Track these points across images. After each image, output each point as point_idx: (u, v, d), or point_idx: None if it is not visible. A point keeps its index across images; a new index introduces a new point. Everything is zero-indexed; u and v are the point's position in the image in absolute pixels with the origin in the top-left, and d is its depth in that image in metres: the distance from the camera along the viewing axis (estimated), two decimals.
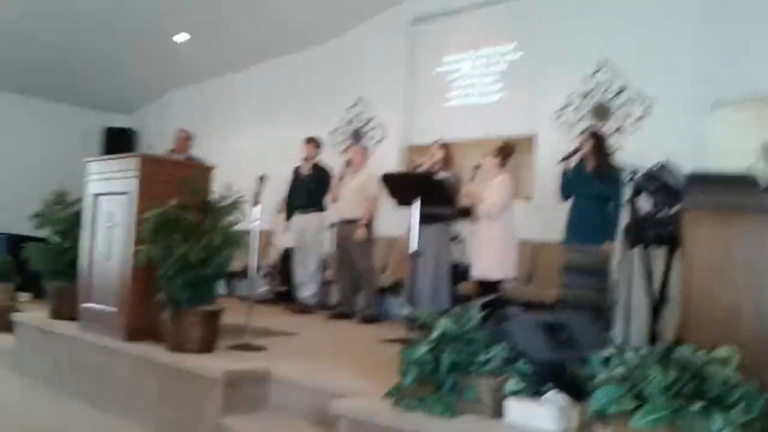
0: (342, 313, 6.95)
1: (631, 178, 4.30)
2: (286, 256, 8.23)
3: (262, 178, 4.64)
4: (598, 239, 5.08)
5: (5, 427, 4.04)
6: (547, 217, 6.29)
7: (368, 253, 6.82)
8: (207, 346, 4.13)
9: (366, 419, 2.95)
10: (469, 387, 2.86)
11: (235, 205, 4.24)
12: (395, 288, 7.50)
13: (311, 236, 7.33)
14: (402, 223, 6.79)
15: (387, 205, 6.42)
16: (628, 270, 4.34)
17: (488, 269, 5.67)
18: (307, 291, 7.41)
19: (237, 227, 4.26)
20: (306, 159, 7.30)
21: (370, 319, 6.70)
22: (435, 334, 2.85)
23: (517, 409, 2.79)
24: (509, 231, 5.76)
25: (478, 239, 5.82)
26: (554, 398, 2.80)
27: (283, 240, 8.17)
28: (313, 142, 7.34)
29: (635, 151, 5.93)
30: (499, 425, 2.76)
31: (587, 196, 5.14)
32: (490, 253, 5.64)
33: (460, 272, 6.43)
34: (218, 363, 3.83)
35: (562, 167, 5.26)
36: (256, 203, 4.59)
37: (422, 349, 2.87)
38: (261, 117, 9.85)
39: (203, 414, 3.72)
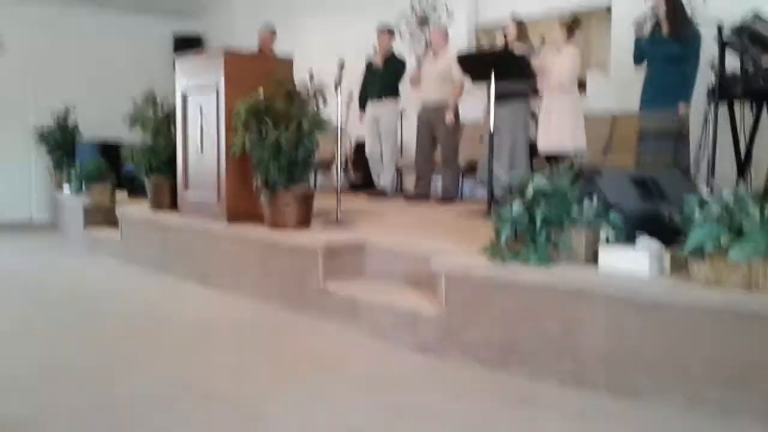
0: (420, 194, 7.13)
1: (719, 33, 4.17)
2: (360, 147, 8.41)
3: (342, 65, 4.73)
4: (674, 102, 4.99)
5: (127, 305, 4.48)
6: (624, 89, 6.18)
7: (454, 137, 6.90)
8: (303, 223, 4.40)
9: (465, 273, 3.15)
10: (563, 239, 3.02)
11: (318, 93, 4.36)
12: (468, 170, 7.62)
13: (386, 123, 7.43)
14: (472, 108, 6.82)
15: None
16: (713, 130, 4.30)
17: (560, 142, 5.68)
18: (384, 178, 7.60)
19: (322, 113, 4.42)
20: (379, 50, 7.30)
21: (449, 199, 6.87)
22: (529, 191, 2.98)
23: (611, 255, 2.93)
24: (578, 103, 5.73)
25: (547, 113, 5.79)
26: (647, 244, 2.92)
27: (357, 131, 8.31)
28: (387, 33, 7.29)
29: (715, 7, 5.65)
30: (594, 271, 2.91)
31: (661, 59, 5.00)
32: (562, 125, 5.64)
33: (534, 150, 6.48)
34: (316, 237, 4.10)
35: (633, 31, 5.12)
36: (337, 88, 4.70)
37: (517, 206, 3.02)
38: (326, 11, 9.76)
39: (306, 282, 4.02)
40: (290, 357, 3.32)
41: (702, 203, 2.57)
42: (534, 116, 6.45)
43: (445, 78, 6.66)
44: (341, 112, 4.84)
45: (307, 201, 4.40)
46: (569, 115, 5.60)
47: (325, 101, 4.43)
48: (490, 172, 5.45)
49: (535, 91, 6.00)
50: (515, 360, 3.01)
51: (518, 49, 5.62)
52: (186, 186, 5.20)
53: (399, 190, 8.11)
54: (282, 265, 4.24)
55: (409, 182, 7.92)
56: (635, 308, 2.66)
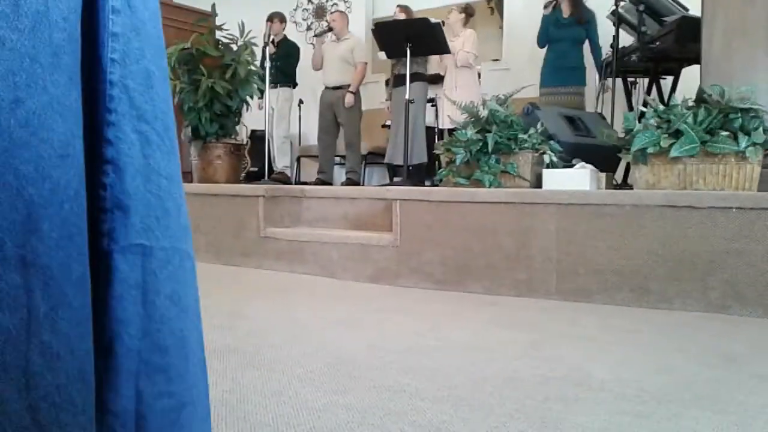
0: (322, 180, 7.19)
1: (614, 11, 4.68)
2: (254, 136, 8.35)
3: (270, 20, 4.76)
4: (576, 81, 5.50)
5: None
6: (516, 77, 6.69)
7: (356, 119, 7.03)
8: (234, 177, 4.36)
9: (421, 196, 3.30)
10: (511, 163, 3.27)
11: (249, 43, 4.37)
12: (370, 157, 7.81)
13: (279, 111, 7.44)
14: (370, 99, 7.04)
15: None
16: (612, 102, 4.80)
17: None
18: (281, 162, 7.59)
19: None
20: (271, 36, 7.33)
21: (353, 183, 6.99)
22: (483, 114, 3.20)
23: (554, 176, 3.22)
24: (476, 82, 6.15)
25: (451, 89, 6.12)
26: (584, 166, 3.24)
27: (251, 120, 8.25)
28: (277, 17, 7.34)
29: None
30: (541, 191, 3.18)
31: (565, 40, 5.51)
32: (468, 98, 5.99)
33: (434, 133, 6.80)
34: (254, 185, 4.08)
35: (543, 14, 5.60)
36: (266, 44, 4.72)
37: (471, 131, 3.23)
38: None
39: (245, 232, 3.99)
40: (248, 287, 3.30)
41: (641, 114, 2.91)
42: (432, 101, 6.77)
43: (347, 60, 6.81)
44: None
45: (238, 154, 4.37)
46: (474, 88, 5.97)
47: (254, 56, 4.43)
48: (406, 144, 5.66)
49: (438, 77, 6.30)
50: (471, 278, 3.19)
51: None
52: None
53: (299, 179, 8.12)
54: (216, 217, 4.16)
55: (309, 172, 7.96)
56: (583, 214, 2.94)
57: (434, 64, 6.36)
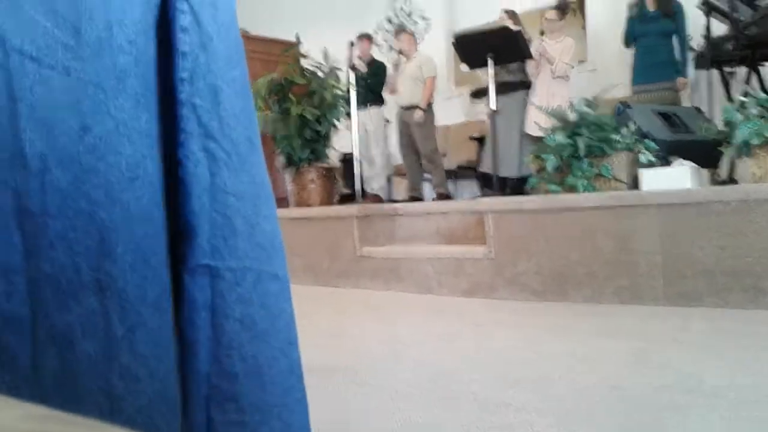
0: (414, 197, 7.23)
1: (704, 1, 4.47)
2: (346, 159, 8.51)
3: (352, 43, 4.87)
4: (668, 76, 5.27)
5: None
6: (603, 78, 6.49)
7: (431, 135, 7.05)
8: (328, 199, 4.46)
9: (513, 207, 3.27)
10: (605, 165, 3.18)
11: (333, 68, 4.49)
12: (458, 173, 7.79)
13: (373, 131, 7.56)
14: (456, 112, 7.02)
15: (439, 94, 6.64)
16: (707, 95, 4.57)
17: None
18: (376, 183, 7.69)
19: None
20: (360, 57, 7.48)
21: (444, 198, 6.99)
22: (572, 118, 3.14)
23: (653, 176, 3.09)
24: (568, 94, 5.99)
25: (548, 97, 5.99)
26: (683, 163, 3.10)
27: (339, 143, 8.42)
28: (367, 38, 7.49)
29: None
30: (640, 192, 3.07)
31: (652, 35, 5.30)
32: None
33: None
34: (347, 206, 4.17)
35: (627, 14, 5.42)
36: (351, 67, 4.83)
37: (560, 135, 3.17)
38: (301, 25, 9.97)
39: (340, 251, 4.08)
40: (344, 306, 3.36)
41: (742, 105, 2.76)
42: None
43: (416, 79, 6.85)
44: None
45: (330, 177, 4.48)
46: (566, 100, 5.83)
47: (338, 80, 4.54)
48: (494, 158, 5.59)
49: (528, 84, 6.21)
50: (570, 288, 3.11)
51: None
52: None
53: (390, 198, 8.20)
54: (311, 239, 4.28)
55: (400, 190, 8.02)
56: (687, 212, 2.81)
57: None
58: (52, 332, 0.45)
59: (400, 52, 7.05)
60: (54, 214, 0.46)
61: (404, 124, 7.11)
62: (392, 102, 7.46)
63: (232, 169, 0.58)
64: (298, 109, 4.19)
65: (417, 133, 6.98)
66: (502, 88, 5.59)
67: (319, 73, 4.50)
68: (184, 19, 0.57)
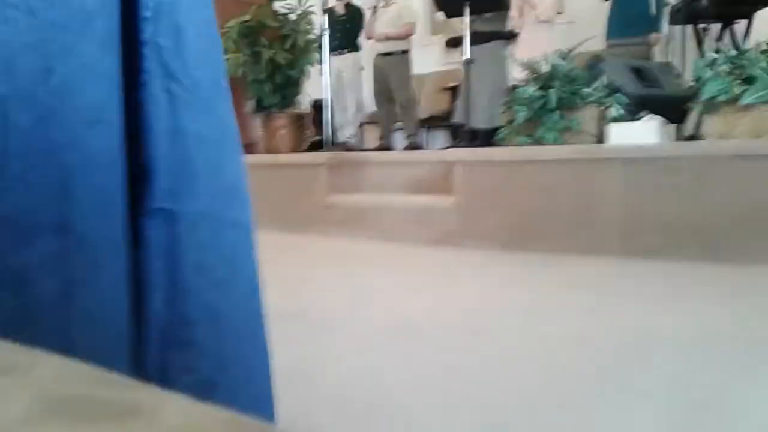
0: (384, 147, 7.19)
1: None
2: (317, 105, 8.40)
3: None
4: (643, 31, 5.25)
5: None
6: (581, 31, 6.45)
7: (406, 83, 6.97)
8: (298, 146, 4.43)
9: (482, 157, 3.28)
10: (575, 118, 3.19)
11: (307, 12, 4.39)
12: (430, 121, 7.75)
13: (348, 77, 7.44)
14: (432, 59, 6.93)
15: (415, 42, 6.53)
16: (681, 50, 4.58)
17: None
18: (348, 131, 7.62)
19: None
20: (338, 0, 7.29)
21: (414, 148, 6.96)
22: (544, 70, 3.13)
23: (621, 130, 3.12)
24: (554, 40, 5.93)
25: (530, 44, 5.91)
26: (652, 118, 3.13)
27: (314, 88, 8.29)
28: None
29: None
30: (607, 146, 3.10)
31: None
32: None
33: None
34: (316, 153, 4.14)
35: None
36: (326, 11, 4.73)
37: (532, 88, 3.17)
38: None
39: (308, 199, 4.06)
40: (310, 254, 3.38)
41: (712, 61, 2.78)
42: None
43: (395, 26, 6.73)
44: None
45: (301, 124, 4.42)
46: (554, 45, 5.75)
47: (312, 24, 4.44)
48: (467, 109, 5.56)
49: (512, 35, 6.12)
50: (535, 239, 3.16)
51: None
52: None
53: (361, 147, 8.14)
54: (279, 186, 4.25)
55: (371, 138, 7.97)
56: (650, 168, 2.85)
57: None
58: (7, 273, 0.45)
59: None
60: (14, 154, 0.45)
61: (380, 71, 7.00)
62: (367, 48, 7.34)
63: (194, 110, 0.56)
64: (270, 52, 4.11)
65: (395, 82, 6.89)
66: (477, 38, 5.52)
67: (293, 17, 4.39)
68: None
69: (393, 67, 6.77)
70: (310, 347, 1.75)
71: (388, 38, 6.52)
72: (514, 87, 3.45)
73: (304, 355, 1.68)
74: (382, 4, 6.87)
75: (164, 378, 0.55)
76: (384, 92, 7.04)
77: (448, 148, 5.06)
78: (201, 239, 0.56)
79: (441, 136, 8.15)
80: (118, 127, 0.53)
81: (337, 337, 1.85)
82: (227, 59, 4.30)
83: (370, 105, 7.47)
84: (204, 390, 0.56)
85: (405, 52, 6.90)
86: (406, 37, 6.64)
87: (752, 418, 1.24)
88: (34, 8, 0.46)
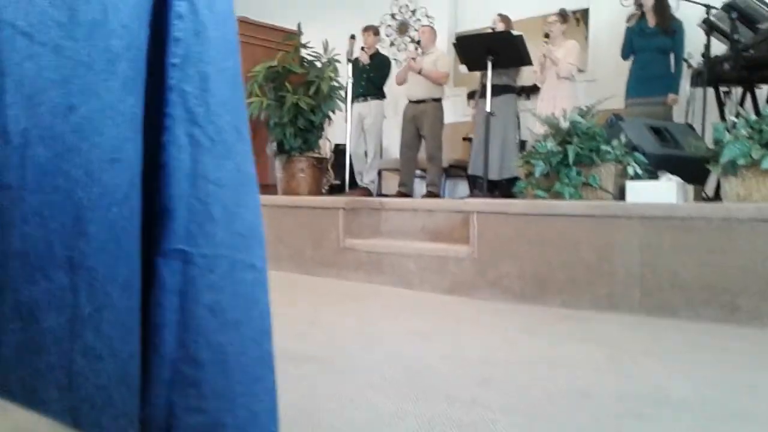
0: (403, 193, 7.24)
1: (705, 19, 4.50)
2: (338, 148, 8.50)
3: (353, 36, 4.87)
4: (662, 92, 5.30)
5: None
6: (602, 89, 6.53)
7: (438, 133, 7.04)
8: (316, 189, 4.47)
9: (498, 209, 3.29)
10: (593, 175, 3.21)
11: (332, 60, 4.49)
12: (450, 170, 7.81)
13: (370, 124, 7.54)
14: (453, 109, 7.03)
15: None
16: (702, 112, 4.59)
17: None
18: (367, 177, 7.69)
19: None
20: (364, 48, 7.45)
21: (433, 196, 7.00)
22: (564, 126, 3.16)
23: (639, 189, 3.13)
24: (576, 96, 6.00)
25: (552, 101, 5.97)
26: (670, 178, 3.14)
27: (334, 133, 8.40)
28: (371, 30, 7.45)
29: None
30: (624, 204, 3.10)
31: (649, 50, 5.33)
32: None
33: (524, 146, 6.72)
34: (334, 197, 4.18)
35: (626, 26, 5.45)
36: (350, 60, 4.84)
37: (551, 143, 3.20)
38: (304, 16, 9.94)
39: (324, 242, 4.09)
40: (325, 296, 3.38)
41: (732, 125, 2.79)
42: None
43: (431, 74, 6.85)
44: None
45: (320, 168, 4.48)
46: (574, 101, 5.80)
47: (336, 72, 4.54)
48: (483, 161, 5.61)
49: (524, 89, 6.20)
50: (549, 292, 3.14)
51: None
52: None
53: (380, 192, 8.20)
54: (297, 228, 4.29)
55: (390, 185, 8.02)
56: (669, 227, 2.85)
57: (530, 75, 6.27)
58: (17, 306, 0.46)
59: (418, 44, 6.98)
60: (32, 189, 0.46)
61: (410, 119, 7.06)
62: (397, 95, 7.45)
63: (215, 156, 0.58)
64: (294, 98, 4.20)
65: (426, 129, 6.94)
66: (490, 91, 5.60)
67: (318, 64, 4.49)
68: (180, 6, 0.57)
69: (424, 114, 6.83)
70: (316, 389, 1.75)
71: (426, 77, 6.58)
72: (526, 142, 3.49)
73: (309, 396, 1.67)
74: (420, 51, 7.00)
75: (170, 417, 0.55)
76: (410, 140, 7.11)
77: (466, 197, 5.09)
78: (215, 281, 0.57)
79: (461, 185, 8.19)
80: (137, 167, 0.54)
81: (344, 379, 1.84)
82: (251, 102, 4.40)
83: (393, 151, 7.56)
84: (208, 430, 0.56)
85: (437, 100, 6.99)
86: (441, 83, 6.73)
87: None
88: (60, 46, 0.48)
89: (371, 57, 7.40)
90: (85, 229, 0.48)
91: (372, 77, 7.34)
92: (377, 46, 7.41)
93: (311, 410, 1.59)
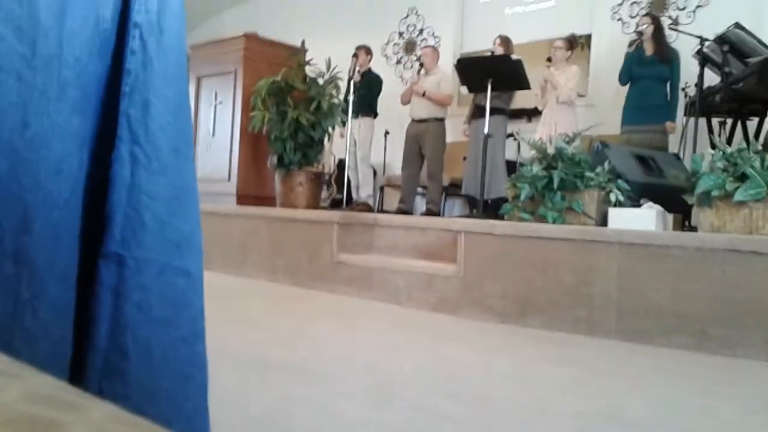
0: (402, 210, 7.34)
1: (699, 50, 4.62)
2: (341, 165, 8.63)
3: (355, 55, 5.01)
4: (659, 120, 5.40)
5: None
6: (599, 114, 6.64)
7: (440, 152, 7.14)
8: (313, 205, 4.59)
9: (485, 230, 3.40)
10: (576, 200, 3.31)
11: (334, 78, 4.62)
12: (449, 189, 7.93)
13: (361, 141, 7.63)
14: (454, 132, 7.17)
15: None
16: (693, 142, 4.70)
17: None
18: (364, 192, 7.80)
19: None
20: (357, 67, 7.56)
21: (432, 214, 7.10)
22: (550, 151, 3.27)
23: (620, 215, 3.23)
24: (575, 121, 6.11)
25: (550, 125, 6.08)
26: (651, 206, 3.24)
27: (338, 148, 8.53)
28: (364, 49, 7.56)
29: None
30: (605, 229, 3.20)
31: (647, 78, 5.44)
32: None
33: (516, 167, 6.83)
34: (329, 211, 4.29)
35: (627, 51, 5.57)
36: (351, 78, 4.96)
37: (537, 167, 3.31)
38: (312, 33, 10.12)
39: (319, 256, 4.20)
40: (317, 309, 3.49)
41: (707, 158, 2.89)
42: (512, 136, 6.82)
43: (434, 94, 6.97)
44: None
45: (318, 182, 4.60)
46: (573, 126, 5.92)
47: (338, 89, 4.67)
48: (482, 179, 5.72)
49: (522, 113, 6.32)
50: (531, 313, 3.24)
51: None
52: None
53: (381, 208, 8.32)
54: (293, 241, 4.40)
55: (392, 201, 8.14)
56: (646, 254, 2.94)
57: (526, 98, 6.39)
58: None
59: (421, 65, 7.13)
60: None
61: (412, 137, 7.18)
62: (393, 114, 7.58)
63: (150, 172, 0.67)
64: (295, 113, 4.33)
65: (427, 148, 7.06)
66: (480, 112, 5.74)
67: (320, 81, 4.63)
68: (133, 43, 0.67)
69: (427, 133, 6.95)
70: (290, 395, 1.85)
71: (429, 99, 6.72)
72: (521, 165, 3.60)
73: (282, 401, 1.77)
74: (423, 73, 7.14)
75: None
76: (412, 158, 7.23)
77: (460, 216, 5.20)
78: (144, 282, 0.65)
79: (459, 204, 8.32)
80: (80, 178, 0.63)
81: (319, 387, 1.94)
82: (254, 115, 4.53)
83: (396, 168, 7.67)
84: None
85: (440, 119, 7.11)
86: (445, 104, 6.87)
87: None
88: (22, 75, 0.57)
89: (362, 75, 7.51)
90: (30, 227, 0.57)
91: (363, 95, 7.45)
92: (370, 66, 7.55)
93: (281, 414, 1.69)
